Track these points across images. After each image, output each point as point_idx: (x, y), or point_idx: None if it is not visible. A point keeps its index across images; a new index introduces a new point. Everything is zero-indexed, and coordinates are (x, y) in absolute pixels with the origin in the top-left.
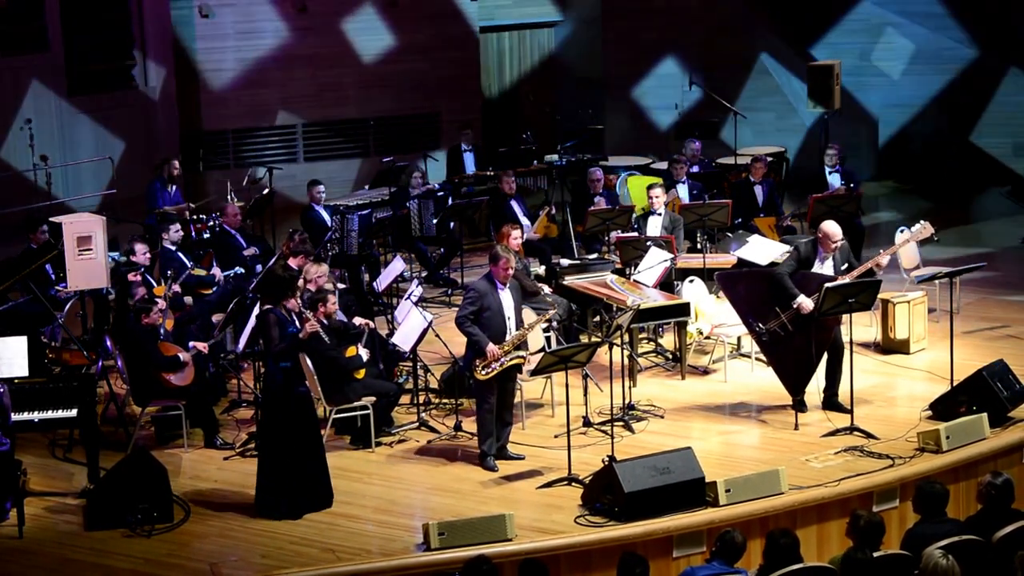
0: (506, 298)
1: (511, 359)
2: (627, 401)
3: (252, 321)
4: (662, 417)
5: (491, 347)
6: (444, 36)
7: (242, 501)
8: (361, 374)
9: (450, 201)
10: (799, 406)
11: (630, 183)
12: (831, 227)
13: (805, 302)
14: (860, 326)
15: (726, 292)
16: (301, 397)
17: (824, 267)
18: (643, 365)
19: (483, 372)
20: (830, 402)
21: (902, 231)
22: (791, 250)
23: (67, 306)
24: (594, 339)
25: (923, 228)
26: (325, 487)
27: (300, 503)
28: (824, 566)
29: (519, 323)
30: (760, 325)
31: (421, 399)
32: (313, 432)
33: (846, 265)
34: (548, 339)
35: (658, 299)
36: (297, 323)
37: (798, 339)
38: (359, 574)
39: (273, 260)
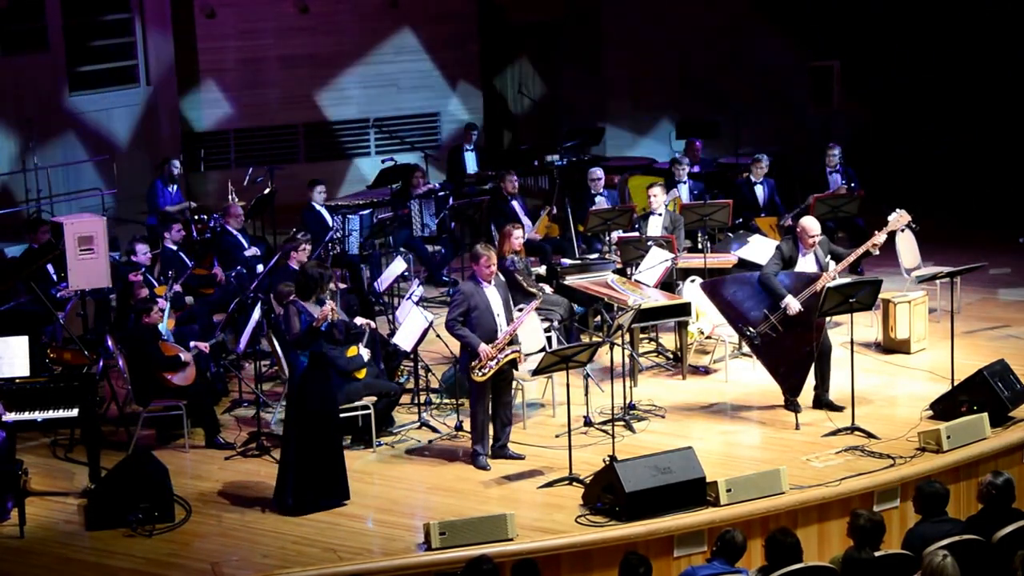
0: (493, 295)
1: (506, 356)
2: (628, 401)
3: (253, 321)
4: (663, 417)
5: (483, 347)
6: (444, 35)
7: (243, 500)
8: (362, 374)
9: (451, 201)
10: (792, 406)
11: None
12: (808, 222)
13: (792, 303)
14: (861, 326)
15: (712, 300)
16: (321, 393)
17: (807, 262)
18: (644, 365)
19: (479, 373)
20: (820, 400)
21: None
22: (774, 250)
23: (68, 306)
24: (595, 339)
25: (899, 216)
26: (340, 484)
27: (307, 500)
28: (824, 566)
29: (509, 319)
30: (751, 329)
31: (422, 399)
32: (328, 429)
33: (828, 257)
34: (549, 339)
35: (659, 299)
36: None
37: (790, 339)
38: (360, 574)
39: (275, 259)
